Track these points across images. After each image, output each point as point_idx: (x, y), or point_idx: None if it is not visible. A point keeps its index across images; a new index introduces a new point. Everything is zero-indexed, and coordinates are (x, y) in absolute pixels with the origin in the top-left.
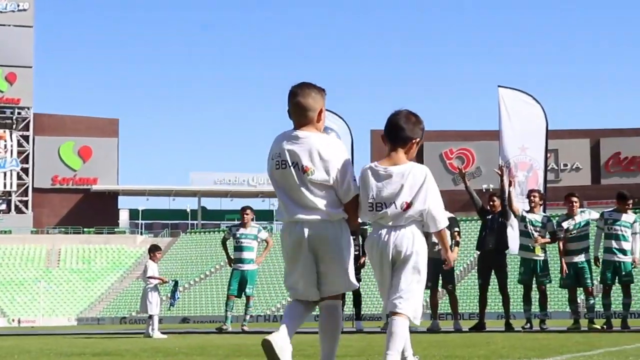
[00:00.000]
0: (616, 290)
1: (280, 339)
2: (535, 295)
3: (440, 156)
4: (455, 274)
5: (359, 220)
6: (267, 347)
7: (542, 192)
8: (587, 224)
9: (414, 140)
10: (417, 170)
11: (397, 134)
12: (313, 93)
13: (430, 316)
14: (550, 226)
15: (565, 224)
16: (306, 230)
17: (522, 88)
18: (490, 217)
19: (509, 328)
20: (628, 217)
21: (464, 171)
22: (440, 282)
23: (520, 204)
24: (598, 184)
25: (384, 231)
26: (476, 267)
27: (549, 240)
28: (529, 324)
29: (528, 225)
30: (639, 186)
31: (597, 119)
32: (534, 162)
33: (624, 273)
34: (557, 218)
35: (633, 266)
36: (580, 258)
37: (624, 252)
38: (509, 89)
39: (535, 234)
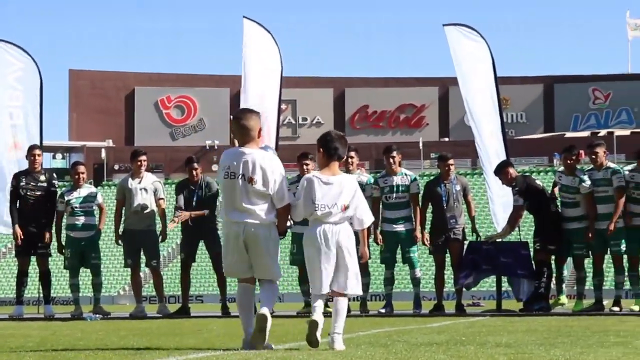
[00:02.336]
0: (377, 268)
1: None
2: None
3: (155, 105)
4: (160, 250)
5: (296, 219)
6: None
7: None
8: None
9: (343, 157)
10: (349, 179)
11: (335, 153)
12: (254, 116)
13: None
14: None
15: None
16: (242, 229)
17: (265, 24)
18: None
19: (225, 312)
20: (400, 179)
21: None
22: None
23: None
24: None
25: (326, 226)
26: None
27: None
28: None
29: None
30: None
31: (343, 67)
32: (268, 114)
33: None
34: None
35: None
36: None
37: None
38: (253, 22)
39: None
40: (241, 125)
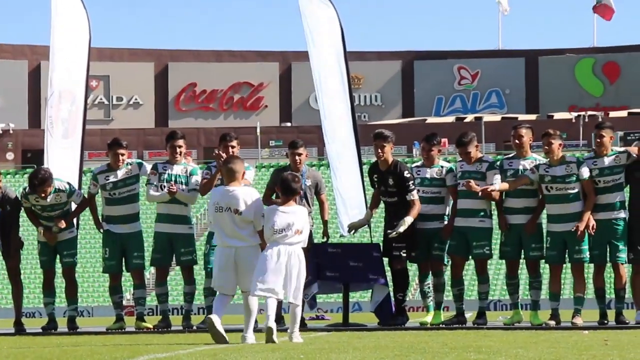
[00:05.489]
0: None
1: (218, 320)
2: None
3: None
4: None
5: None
6: (210, 324)
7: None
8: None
9: (299, 193)
10: (301, 210)
11: (291, 192)
12: (239, 162)
13: None
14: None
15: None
16: (233, 252)
17: None
18: None
19: (19, 330)
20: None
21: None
22: None
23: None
24: (165, 126)
25: (282, 247)
26: None
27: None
28: (53, 322)
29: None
30: (219, 132)
31: (167, 37)
32: (75, 92)
33: None
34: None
35: None
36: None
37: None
38: None
39: None
40: (229, 168)
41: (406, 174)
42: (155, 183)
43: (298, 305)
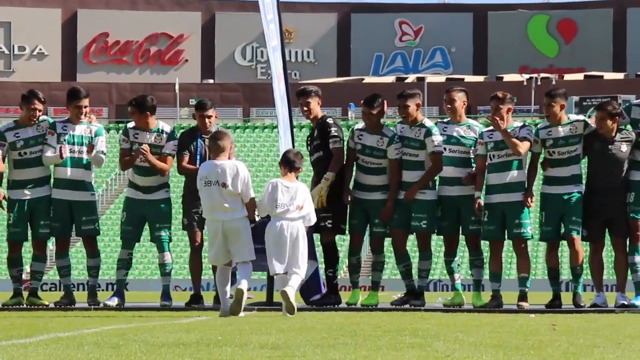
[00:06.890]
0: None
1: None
2: None
3: None
4: None
5: (261, 215)
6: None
7: None
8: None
9: (300, 169)
10: (303, 185)
11: (293, 167)
12: (227, 137)
13: None
14: None
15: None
16: (222, 225)
17: None
18: None
19: None
20: (154, 136)
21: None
22: None
23: None
24: (73, 80)
25: (284, 222)
26: None
27: None
28: None
29: None
30: (132, 88)
31: None
32: None
33: None
34: None
35: None
36: None
37: None
38: None
39: None
40: (217, 144)
41: (329, 120)
42: (53, 144)
43: (296, 273)
